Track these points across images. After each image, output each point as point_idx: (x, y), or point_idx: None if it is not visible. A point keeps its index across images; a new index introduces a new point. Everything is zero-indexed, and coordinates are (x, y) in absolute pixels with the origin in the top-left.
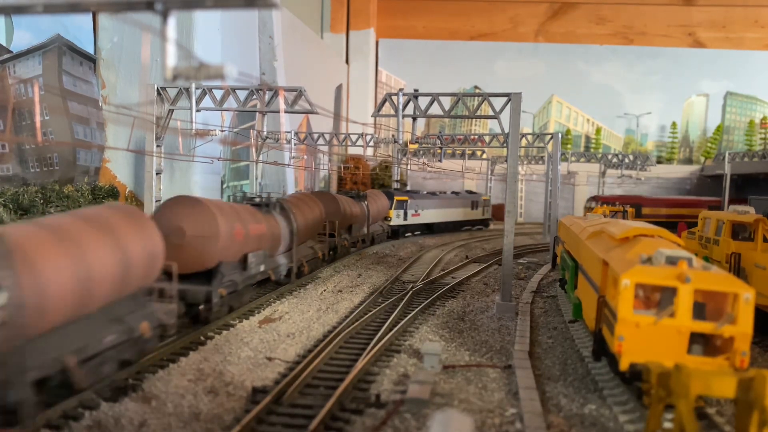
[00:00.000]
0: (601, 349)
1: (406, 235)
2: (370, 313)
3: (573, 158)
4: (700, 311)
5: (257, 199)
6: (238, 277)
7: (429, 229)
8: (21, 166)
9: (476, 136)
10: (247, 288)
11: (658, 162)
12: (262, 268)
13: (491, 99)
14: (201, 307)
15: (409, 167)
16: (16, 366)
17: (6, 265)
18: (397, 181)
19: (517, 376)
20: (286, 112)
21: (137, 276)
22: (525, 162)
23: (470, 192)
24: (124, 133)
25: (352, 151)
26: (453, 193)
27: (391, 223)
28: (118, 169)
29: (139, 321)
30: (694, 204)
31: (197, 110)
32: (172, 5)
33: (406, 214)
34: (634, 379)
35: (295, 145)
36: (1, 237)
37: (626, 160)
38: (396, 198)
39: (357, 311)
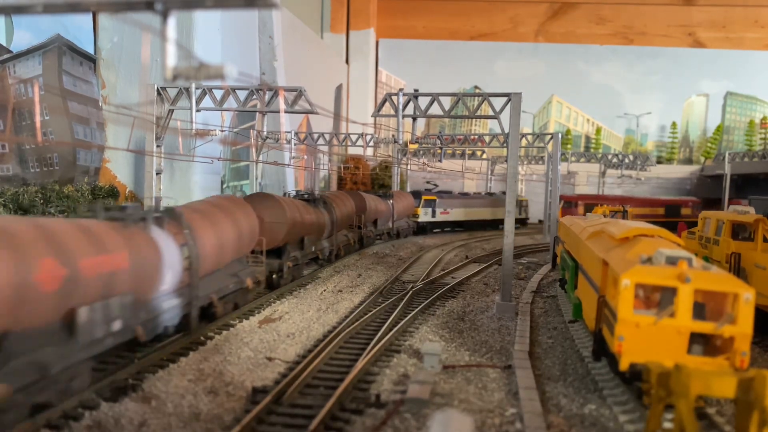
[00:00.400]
0: (601, 349)
1: (435, 231)
2: (370, 313)
3: (573, 158)
4: (700, 311)
5: (306, 195)
6: (299, 254)
7: (460, 226)
8: (21, 166)
9: (476, 136)
10: (303, 263)
11: (658, 162)
12: (313, 248)
13: (491, 99)
14: (274, 275)
15: (409, 167)
16: (193, 295)
17: (187, 231)
18: (428, 182)
19: (517, 376)
20: (286, 112)
21: (245, 245)
22: (525, 162)
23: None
24: (124, 133)
25: (352, 151)
26: (488, 194)
27: (419, 220)
28: (118, 169)
29: (246, 276)
30: (654, 204)
31: (197, 110)
32: (172, 5)
33: (434, 212)
34: (634, 379)
35: (295, 145)
36: (182, 214)
37: (626, 160)
38: (424, 198)
39: (357, 311)
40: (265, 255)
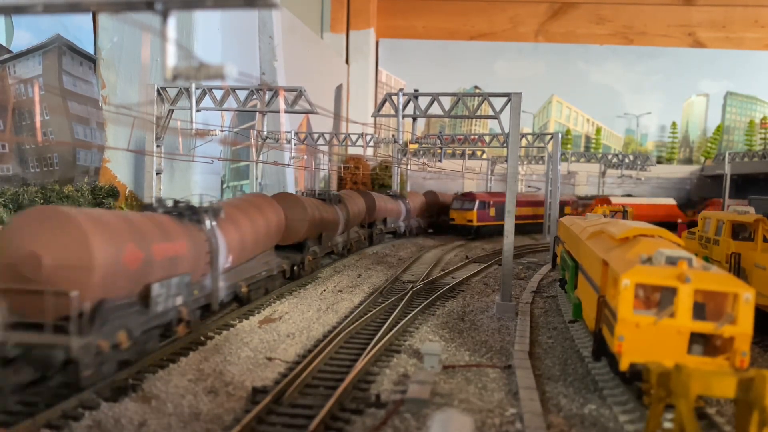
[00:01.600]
0: (601, 349)
1: None
2: (370, 313)
3: (573, 158)
4: (700, 311)
5: (390, 192)
6: (396, 223)
7: None
8: (21, 166)
9: (476, 136)
10: (383, 234)
11: (658, 162)
12: (392, 224)
13: (491, 99)
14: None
15: (409, 167)
16: (348, 238)
17: (345, 206)
18: (530, 186)
19: (517, 376)
20: (286, 112)
21: (367, 216)
22: (525, 162)
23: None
24: (124, 133)
25: (352, 151)
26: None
27: None
28: (118, 169)
29: (361, 234)
30: (537, 203)
31: (197, 110)
32: (172, 5)
33: None
34: (634, 379)
35: (295, 145)
36: (343, 197)
37: (626, 160)
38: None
39: (357, 311)
40: (367, 225)
